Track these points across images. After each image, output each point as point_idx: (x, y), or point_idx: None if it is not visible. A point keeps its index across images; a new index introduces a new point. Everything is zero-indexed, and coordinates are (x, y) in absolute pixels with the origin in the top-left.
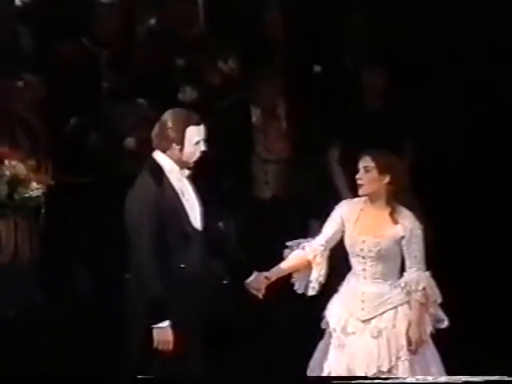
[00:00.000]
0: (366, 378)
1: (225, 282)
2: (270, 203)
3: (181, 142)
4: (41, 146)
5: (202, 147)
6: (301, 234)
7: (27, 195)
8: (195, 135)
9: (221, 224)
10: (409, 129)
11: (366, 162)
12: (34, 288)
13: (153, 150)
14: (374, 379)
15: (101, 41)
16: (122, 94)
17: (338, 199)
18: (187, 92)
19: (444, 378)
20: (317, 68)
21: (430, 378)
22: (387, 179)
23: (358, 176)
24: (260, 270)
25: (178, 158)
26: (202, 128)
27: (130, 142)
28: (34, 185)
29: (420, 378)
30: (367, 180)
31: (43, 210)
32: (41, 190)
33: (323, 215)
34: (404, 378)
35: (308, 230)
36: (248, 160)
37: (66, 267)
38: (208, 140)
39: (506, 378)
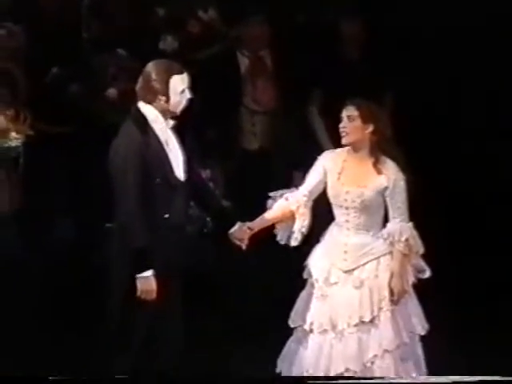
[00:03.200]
0: (348, 378)
1: (205, 230)
2: (257, 154)
3: (166, 93)
4: (20, 96)
5: (188, 95)
6: (288, 185)
7: (6, 145)
8: (179, 84)
9: (207, 172)
10: (390, 79)
11: (349, 111)
12: (14, 239)
13: (136, 100)
14: (357, 379)
15: None
16: (103, 44)
17: (321, 150)
18: (168, 41)
19: (433, 379)
20: (298, 18)
21: (409, 379)
22: (371, 128)
23: (341, 125)
24: (244, 220)
25: (164, 108)
26: (185, 76)
27: (112, 92)
28: (13, 135)
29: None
30: (351, 129)
31: (22, 160)
32: (20, 140)
33: (308, 166)
34: (383, 378)
35: (294, 181)
36: (236, 111)
37: (46, 218)
38: (195, 90)
39: (498, 378)
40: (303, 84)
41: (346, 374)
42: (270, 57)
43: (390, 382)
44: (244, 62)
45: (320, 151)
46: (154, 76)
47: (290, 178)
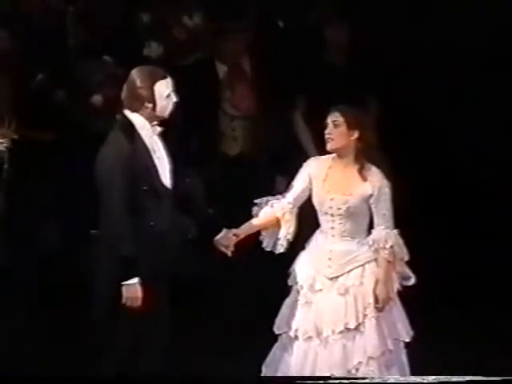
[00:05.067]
0: (331, 378)
1: (190, 235)
2: (238, 159)
3: (152, 99)
4: (5, 101)
5: (174, 98)
6: (269, 191)
7: None
8: (165, 89)
9: (188, 181)
10: (375, 86)
11: (335, 117)
12: None
13: (121, 107)
14: (341, 379)
15: None
16: (88, 51)
17: (305, 155)
18: (153, 48)
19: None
20: (282, 24)
21: (391, 379)
22: (356, 135)
23: (326, 131)
24: (229, 227)
25: (151, 115)
26: (169, 80)
27: (97, 99)
28: None
29: (387, 378)
30: (336, 135)
31: (6, 166)
32: (4, 145)
33: (291, 171)
34: (371, 378)
35: (276, 186)
36: (215, 116)
37: (31, 224)
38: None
39: (484, 378)
40: (285, 89)
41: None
42: (249, 63)
43: (377, 383)
44: (222, 68)
45: (304, 156)
46: (138, 83)
47: (273, 183)
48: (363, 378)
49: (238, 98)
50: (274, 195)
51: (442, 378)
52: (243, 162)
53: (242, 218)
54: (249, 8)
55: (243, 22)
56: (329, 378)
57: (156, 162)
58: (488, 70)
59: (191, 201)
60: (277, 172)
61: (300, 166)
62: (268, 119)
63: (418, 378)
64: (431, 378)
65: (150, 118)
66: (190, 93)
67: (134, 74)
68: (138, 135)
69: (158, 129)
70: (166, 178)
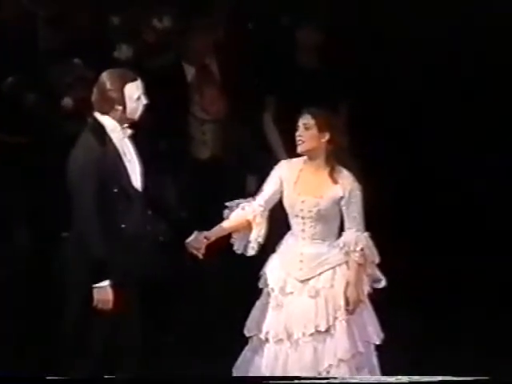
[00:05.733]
0: (302, 378)
1: (161, 238)
2: (208, 163)
3: (122, 102)
4: None
5: (144, 101)
6: (240, 194)
7: None
8: (135, 91)
9: (161, 183)
10: (346, 88)
11: (305, 119)
12: None
13: (91, 109)
14: (312, 379)
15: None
16: (58, 54)
17: (276, 158)
18: (123, 50)
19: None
20: (252, 24)
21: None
22: (327, 137)
23: (297, 133)
24: (201, 230)
25: (121, 117)
26: (139, 83)
27: (67, 101)
28: None
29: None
30: (307, 137)
31: None
32: None
33: (263, 174)
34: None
35: (247, 189)
36: (185, 120)
37: (2, 226)
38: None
39: (455, 378)
40: (255, 91)
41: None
42: (217, 65)
43: (348, 382)
44: (190, 70)
45: (274, 159)
46: (108, 86)
47: (243, 186)
48: (334, 378)
49: (208, 101)
50: (245, 198)
51: (415, 378)
52: (214, 166)
53: (214, 221)
54: (219, 7)
55: (212, 19)
56: (298, 377)
57: (126, 164)
58: (463, 67)
59: (162, 203)
60: (248, 175)
61: (271, 168)
62: (238, 122)
63: (391, 378)
64: (405, 379)
65: (121, 121)
66: (159, 95)
67: (104, 76)
68: (109, 137)
69: (129, 131)
70: (136, 180)
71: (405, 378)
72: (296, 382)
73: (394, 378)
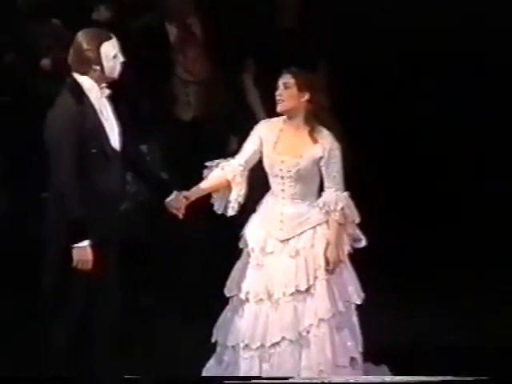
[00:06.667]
0: (257, 378)
1: (140, 198)
2: (191, 124)
3: (99, 62)
4: None
5: (121, 58)
6: (222, 155)
7: None
8: (111, 49)
9: (143, 147)
10: (326, 48)
11: (285, 79)
12: None
13: (69, 70)
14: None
15: None
16: (37, 14)
17: (256, 119)
18: (101, 11)
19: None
20: None
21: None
22: (306, 97)
23: (277, 93)
24: (182, 190)
25: (100, 77)
26: (114, 41)
27: (46, 62)
28: None
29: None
30: (286, 96)
31: None
32: None
33: (245, 134)
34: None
35: (229, 149)
36: (169, 81)
37: None
38: (128, 61)
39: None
40: (236, 52)
41: (281, 343)
42: (199, 25)
43: (348, 383)
44: (172, 31)
45: (254, 120)
46: (85, 46)
47: (225, 148)
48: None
49: (190, 62)
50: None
51: (414, 378)
52: (197, 127)
53: (197, 182)
54: None
55: None
56: (259, 377)
57: (104, 123)
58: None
59: (142, 163)
60: (230, 135)
61: (252, 128)
62: (222, 84)
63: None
64: (404, 379)
65: (99, 80)
66: (142, 56)
67: (80, 37)
68: (87, 97)
69: (107, 91)
70: (114, 140)
71: (404, 378)
72: (295, 381)
73: (393, 378)
